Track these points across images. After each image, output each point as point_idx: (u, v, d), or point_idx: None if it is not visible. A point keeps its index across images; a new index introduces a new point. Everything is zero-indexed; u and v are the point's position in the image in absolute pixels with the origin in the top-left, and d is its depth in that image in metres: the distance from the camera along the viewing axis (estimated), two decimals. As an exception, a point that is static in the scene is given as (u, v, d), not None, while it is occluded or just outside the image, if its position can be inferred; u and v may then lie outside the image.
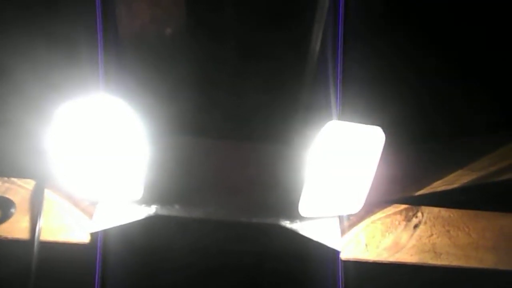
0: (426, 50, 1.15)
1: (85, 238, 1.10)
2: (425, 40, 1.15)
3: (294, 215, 1.10)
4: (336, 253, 1.12)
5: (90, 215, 1.11)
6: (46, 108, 0.96)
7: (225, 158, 1.14)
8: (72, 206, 1.13)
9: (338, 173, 1.05)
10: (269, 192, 1.11)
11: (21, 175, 1.16)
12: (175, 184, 1.09)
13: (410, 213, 1.25)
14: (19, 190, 1.14)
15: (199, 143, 1.14)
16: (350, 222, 1.21)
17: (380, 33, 1.11)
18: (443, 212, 1.26)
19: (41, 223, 1.10)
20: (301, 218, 1.11)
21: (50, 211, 1.13)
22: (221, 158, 1.14)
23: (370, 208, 1.23)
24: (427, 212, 1.26)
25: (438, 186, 1.26)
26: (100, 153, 0.99)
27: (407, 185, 1.26)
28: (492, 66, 1.18)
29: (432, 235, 1.23)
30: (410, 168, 1.24)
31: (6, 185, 1.15)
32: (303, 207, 1.06)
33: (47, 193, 1.14)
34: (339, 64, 1.07)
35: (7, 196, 1.13)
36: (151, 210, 1.08)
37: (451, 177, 1.23)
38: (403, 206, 1.26)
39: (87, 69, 1.03)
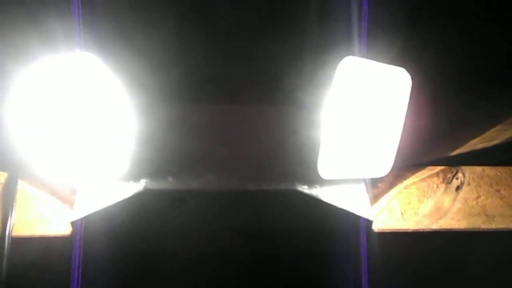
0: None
1: (65, 230, 0.93)
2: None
3: (312, 179, 0.91)
4: (368, 223, 0.93)
5: (71, 204, 0.94)
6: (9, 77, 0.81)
7: (223, 123, 0.97)
8: (50, 195, 0.97)
9: (359, 125, 0.87)
10: (279, 154, 0.93)
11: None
12: (168, 155, 0.92)
13: (449, 175, 1.06)
14: (-12, 184, 0.98)
15: (191, 109, 0.96)
16: (378, 189, 1.01)
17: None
18: (488, 170, 1.07)
19: (13, 217, 0.94)
20: (322, 183, 0.92)
21: (25, 203, 0.96)
22: (218, 124, 0.96)
23: (401, 173, 1.04)
24: (469, 172, 1.06)
25: (476, 144, 1.08)
26: (77, 127, 0.83)
27: (440, 144, 1.08)
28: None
29: (479, 196, 1.03)
30: (441, 125, 1.06)
31: (-27, 178, 0.99)
32: (322, 166, 0.88)
33: (22, 185, 0.97)
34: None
35: (-27, 190, 0.97)
36: (140, 185, 0.90)
37: (490, 133, 1.05)
38: (439, 168, 1.07)
39: (59, 25, 0.87)
